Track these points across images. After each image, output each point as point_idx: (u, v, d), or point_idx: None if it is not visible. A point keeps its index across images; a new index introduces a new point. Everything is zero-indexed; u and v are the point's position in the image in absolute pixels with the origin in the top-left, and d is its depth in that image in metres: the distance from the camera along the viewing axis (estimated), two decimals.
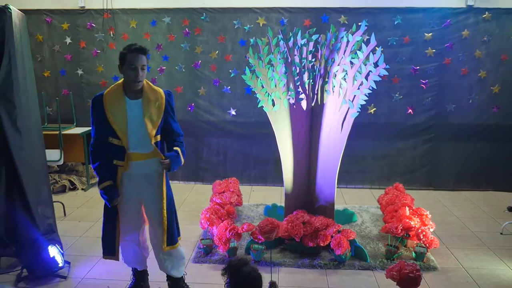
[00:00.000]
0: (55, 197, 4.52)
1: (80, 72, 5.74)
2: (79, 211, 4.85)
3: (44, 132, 3.64)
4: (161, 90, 2.82)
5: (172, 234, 2.91)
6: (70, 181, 5.57)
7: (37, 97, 3.51)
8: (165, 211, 2.85)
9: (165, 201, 2.85)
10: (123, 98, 2.72)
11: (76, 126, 5.79)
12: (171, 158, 2.78)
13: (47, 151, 3.67)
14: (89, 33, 5.65)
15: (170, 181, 6.08)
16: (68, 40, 5.66)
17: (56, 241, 3.44)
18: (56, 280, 3.30)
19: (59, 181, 5.53)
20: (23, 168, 3.18)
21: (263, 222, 2.53)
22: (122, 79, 2.77)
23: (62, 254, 3.40)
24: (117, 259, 2.92)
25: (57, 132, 5.18)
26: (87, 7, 5.59)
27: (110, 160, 2.77)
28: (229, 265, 2.24)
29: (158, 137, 2.79)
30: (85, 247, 3.92)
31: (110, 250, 2.90)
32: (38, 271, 3.25)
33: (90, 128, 5.62)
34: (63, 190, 5.50)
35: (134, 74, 2.64)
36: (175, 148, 2.84)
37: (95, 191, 5.54)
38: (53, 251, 3.29)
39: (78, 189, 5.57)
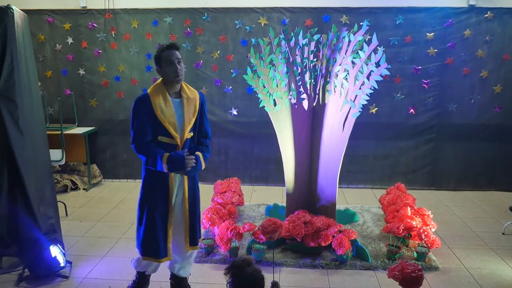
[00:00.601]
0: (57, 197, 4.53)
1: (82, 72, 5.75)
2: (81, 211, 4.86)
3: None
4: (196, 91, 2.92)
5: (194, 235, 2.94)
6: (72, 181, 5.58)
7: (40, 97, 3.51)
8: (187, 212, 2.89)
9: (187, 202, 2.89)
10: (168, 97, 2.77)
11: (78, 126, 5.79)
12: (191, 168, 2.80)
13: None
14: (91, 33, 5.65)
15: None
16: (70, 40, 5.67)
17: (58, 241, 3.44)
18: (58, 280, 3.30)
19: (61, 181, 5.53)
20: (25, 168, 3.19)
21: (265, 222, 2.52)
22: (159, 80, 2.81)
23: (64, 254, 3.40)
24: (170, 258, 2.93)
25: (59, 132, 5.18)
26: (89, 7, 5.59)
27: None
28: (232, 265, 2.24)
29: (190, 134, 2.85)
30: (87, 247, 3.92)
31: (165, 251, 2.87)
32: (39, 271, 3.25)
33: (91, 128, 5.74)
34: (64, 190, 5.50)
35: (173, 69, 2.70)
36: (197, 152, 2.85)
37: (97, 191, 5.55)
38: (55, 251, 3.30)
39: (79, 189, 5.58)
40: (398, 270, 2.54)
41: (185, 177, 2.86)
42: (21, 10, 3.23)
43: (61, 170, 5.81)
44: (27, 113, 3.22)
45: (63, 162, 5.26)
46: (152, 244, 2.85)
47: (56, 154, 5.15)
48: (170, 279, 3.13)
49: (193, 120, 2.82)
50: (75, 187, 5.59)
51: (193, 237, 2.94)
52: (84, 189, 5.58)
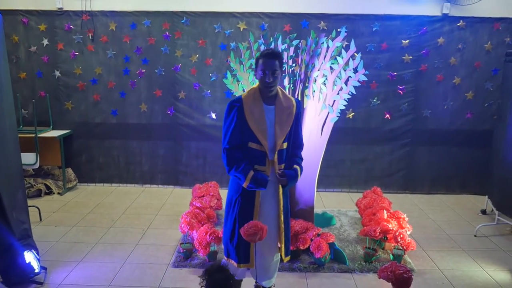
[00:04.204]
0: (30, 202, 4.42)
1: (57, 74, 5.64)
2: (55, 215, 4.75)
3: (19, 135, 3.56)
4: (293, 98, 2.82)
5: (288, 245, 2.91)
6: (46, 185, 5.46)
7: (12, 99, 3.43)
8: (283, 223, 2.84)
9: (282, 213, 2.84)
10: (260, 103, 2.72)
11: (53, 129, 5.68)
12: (289, 177, 2.76)
13: (22, 154, 3.59)
14: (67, 35, 5.56)
15: (149, 186, 6.01)
16: (45, 42, 5.56)
17: (32, 247, 3.36)
18: (32, 286, 3.23)
19: (35, 185, 5.41)
20: None
21: (247, 224, 2.56)
22: (256, 84, 2.79)
23: (38, 260, 3.33)
24: (253, 266, 2.82)
25: (33, 135, 5.07)
26: (65, 9, 5.49)
27: (250, 165, 2.73)
28: (204, 270, 2.29)
29: (285, 145, 2.78)
30: (62, 252, 3.85)
31: (247, 257, 2.82)
32: (13, 277, 3.17)
33: (67, 131, 5.64)
34: (38, 194, 5.38)
35: (264, 79, 2.65)
36: (295, 166, 2.81)
37: (72, 196, 5.45)
38: (29, 257, 3.22)
39: (54, 193, 5.47)
40: (390, 271, 2.58)
41: (281, 188, 2.82)
42: None
43: (35, 174, 5.69)
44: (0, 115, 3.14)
45: (37, 165, 5.15)
46: (237, 245, 2.82)
47: (30, 158, 5.04)
48: None
49: (287, 130, 2.74)
50: (49, 192, 5.47)
51: (287, 248, 2.91)
52: (58, 193, 5.47)
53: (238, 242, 2.81)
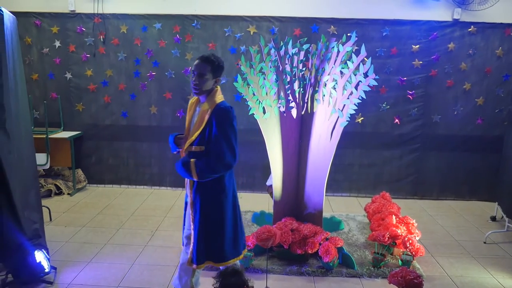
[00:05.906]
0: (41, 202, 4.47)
1: (69, 76, 5.70)
2: (65, 216, 4.80)
3: None
4: (215, 103, 2.74)
5: (196, 253, 2.80)
6: (56, 185, 5.51)
7: (27, 100, 3.48)
8: (192, 229, 2.83)
9: (192, 218, 2.85)
10: (195, 104, 2.91)
11: (64, 130, 5.73)
12: (178, 163, 2.83)
13: None
14: (79, 37, 5.62)
15: (158, 188, 6.04)
16: (57, 44, 5.63)
17: (43, 246, 3.40)
18: (42, 285, 3.26)
19: (45, 185, 5.46)
20: (11, 172, 3.14)
21: (260, 229, 2.56)
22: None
23: (48, 259, 3.36)
24: (181, 247, 3.09)
25: (44, 136, 5.12)
26: (77, 11, 5.56)
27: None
28: (219, 272, 2.30)
29: (196, 147, 2.77)
30: (72, 252, 3.88)
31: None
32: (23, 276, 3.20)
33: (77, 132, 5.77)
34: (48, 194, 5.43)
35: (192, 80, 2.76)
36: (192, 159, 2.75)
37: (81, 196, 5.50)
38: (40, 256, 3.25)
39: (64, 193, 5.51)
40: (401, 276, 2.58)
41: (191, 184, 2.88)
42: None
43: (45, 175, 5.74)
44: (14, 116, 3.19)
45: (47, 166, 5.19)
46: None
47: (40, 158, 5.08)
48: None
49: (196, 133, 2.74)
50: (59, 192, 5.52)
51: (194, 256, 2.80)
52: (68, 194, 5.52)
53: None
